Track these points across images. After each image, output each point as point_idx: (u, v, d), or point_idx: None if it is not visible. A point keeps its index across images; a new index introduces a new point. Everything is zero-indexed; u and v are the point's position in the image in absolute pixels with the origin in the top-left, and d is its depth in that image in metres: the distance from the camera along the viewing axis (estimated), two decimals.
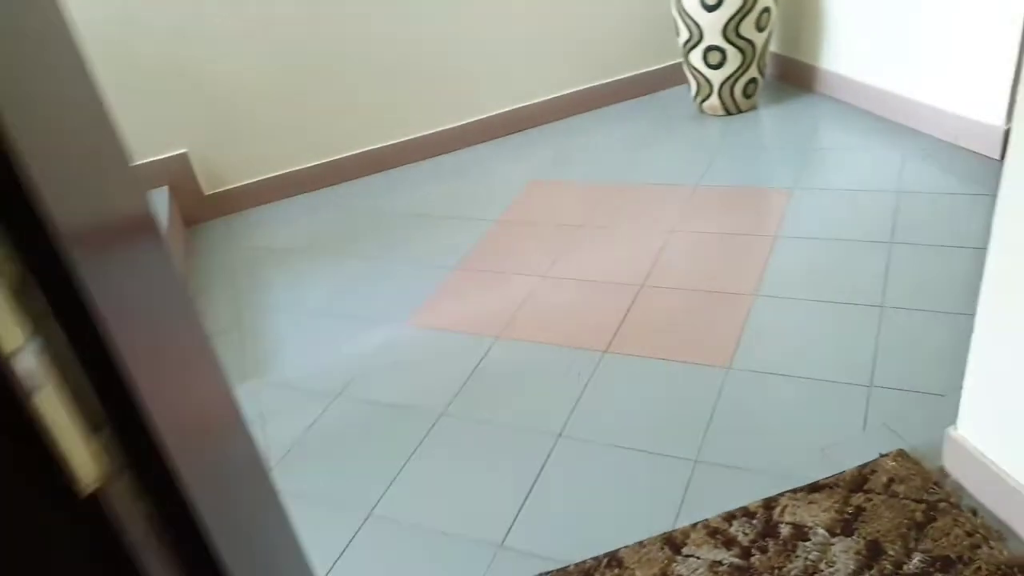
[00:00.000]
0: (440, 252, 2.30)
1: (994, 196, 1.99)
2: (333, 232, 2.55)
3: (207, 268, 2.50)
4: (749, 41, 2.61)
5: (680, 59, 2.91)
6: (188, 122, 2.64)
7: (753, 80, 2.72)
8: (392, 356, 1.90)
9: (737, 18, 2.55)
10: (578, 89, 3.04)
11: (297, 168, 2.83)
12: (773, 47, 3.04)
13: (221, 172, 2.76)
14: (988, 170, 2.12)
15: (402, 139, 2.90)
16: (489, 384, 1.73)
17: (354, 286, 2.22)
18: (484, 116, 2.96)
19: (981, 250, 1.82)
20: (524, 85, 2.97)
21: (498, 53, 2.88)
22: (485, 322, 1.94)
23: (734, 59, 2.64)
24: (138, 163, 2.65)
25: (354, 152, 2.87)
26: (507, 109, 2.98)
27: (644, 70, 3.09)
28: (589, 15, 2.91)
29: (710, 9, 2.56)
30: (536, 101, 3.00)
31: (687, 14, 2.62)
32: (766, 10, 2.57)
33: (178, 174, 2.70)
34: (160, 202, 2.61)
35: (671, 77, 3.11)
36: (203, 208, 2.78)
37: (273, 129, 2.74)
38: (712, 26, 2.58)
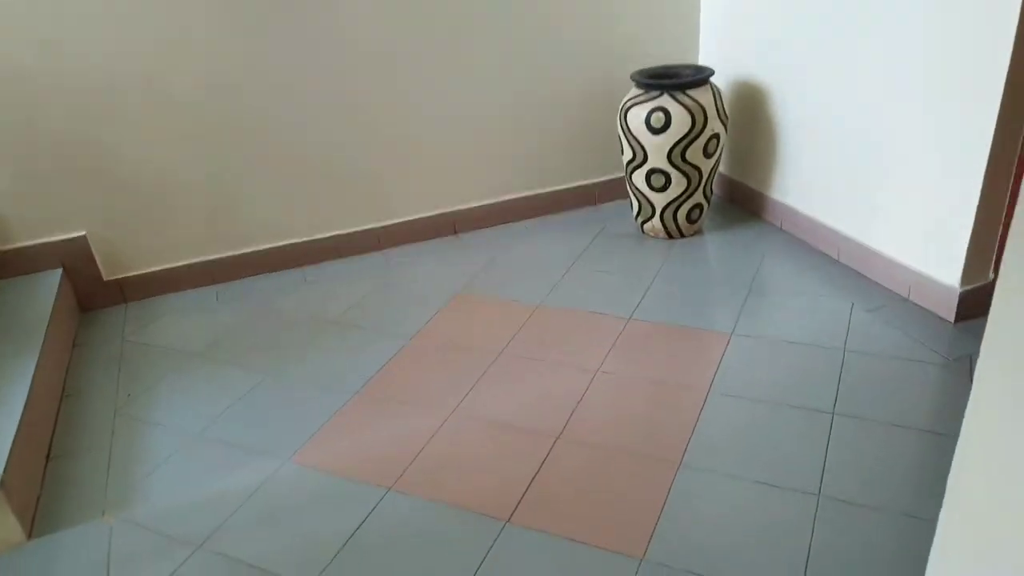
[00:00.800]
0: (344, 372, 2.08)
1: (946, 365, 1.88)
2: (234, 336, 2.32)
3: (92, 362, 2.24)
4: (695, 167, 2.51)
5: (623, 173, 2.81)
6: (90, 202, 2.42)
7: (698, 206, 2.62)
8: (267, 501, 1.65)
9: (684, 143, 2.45)
10: (519, 196, 2.91)
11: (206, 258, 2.62)
12: (723, 168, 2.96)
13: (124, 257, 2.53)
14: (941, 333, 1.99)
15: (324, 234, 2.72)
16: (369, 552, 1.49)
17: (245, 406, 1.99)
18: (418, 216, 2.80)
19: (930, 434, 1.67)
20: (463, 187, 2.82)
21: (437, 153, 2.74)
22: (377, 468, 1.71)
23: (679, 184, 2.54)
24: (30, 244, 2.41)
25: (270, 245, 2.67)
26: (443, 211, 2.83)
27: (588, 181, 2.98)
28: (535, 122, 2.81)
29: (656, 132, 2.46)
30: (474, 205, 2.86)
31: (631, 134, 2.52)
32: (715, 136, 2.48)
33: (75, 256, 2.46)
34: (50, 285, 2.37)
35: (616, 191, 3.01)
36: (102, 293, 2.54)
37: (182, 215, 2.53)
38: (657, 149, 2.48)
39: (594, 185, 2.99)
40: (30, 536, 1.62)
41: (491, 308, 2.35)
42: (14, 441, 1.68)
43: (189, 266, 2.60)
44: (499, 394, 1.93)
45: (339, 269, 2.68)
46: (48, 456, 1.87)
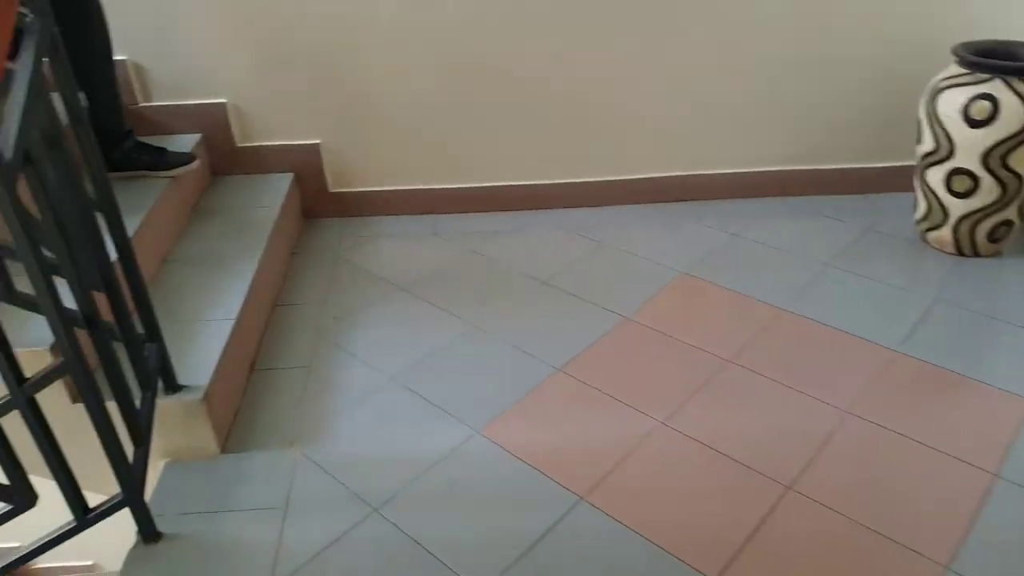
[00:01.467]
0: (549, 341, 1.90)
1: None
2: (443, 276, 2.21)
3: (306, 274, 2.25)
4: (1017, 175, 2.00)
5: (911, 163, 2.32)
6: (328, 113, 2.38)
7: (1006, 223, 2.11)
8: (450, 474, 1.53)
9: (1010, 144, 1.95)
10: (771, 169, 2.52)
11: (429, 187, 2.51)
12: None
13: (350, 171, 2.49)
14: None
15: (545, 180, 2.51)
16: (550, 568, 1.32)
17: (443, 357, 1.87)
18: (647, 176, 2.52)
19: None
20: (705, 150, 2.49)
21: (679, 110, 2.41)
22: (571, 468, 1.52)
23: (989, 192, 2.04)
24: (267, 144, 2.42)
25: (491, 183, 2.51)
26: (677, 173, 2.52)
27: (861, 165, 2.52)
28: (803, 85, 2.38)
29: (975, 125, 1.97)
30: (715, 171, 2.52)
31: (939, 122, 2.04)
32: None
33: (306, 163, 2.46)
34: (281, 188, 2.39)
35: (896, 182, 2.52)
36: (325, 204, 2.53)
37: (413, 139, 2.43)
38: (971, 145, 2.00)
39: (869, 171, 2.52)
40: (222, 450, 1.61)
41: (722, 299, 2.05)
42: (224, 350, 1.67)
43: (411, 191, 2.52)
44: (721, 413, 1.66)
45: (557, 219, 2.48)
46: (252, 367, 1.87)
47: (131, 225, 1.86)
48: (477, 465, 1.55)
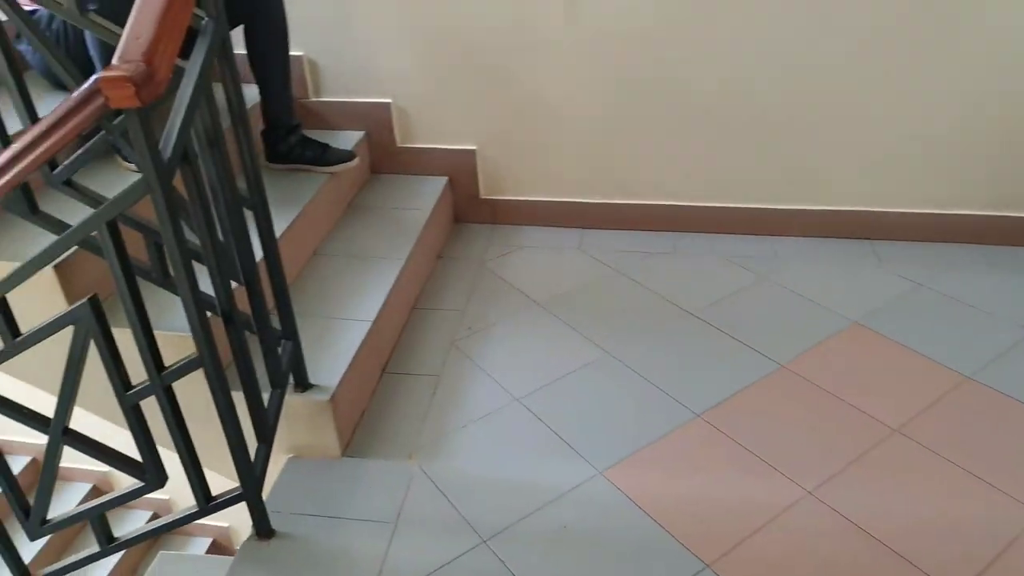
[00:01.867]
0: (692, 381, 1.75)
1: None
2: (584, 295, 2.11)
3: (448, 279, 2.23)
4: None
5: None
6: (486, 120, 2.35)
7: None
8: (562, 516, 1.43)
9: None
10: (970, 213, 2.21)
11: (579, 200, 2.43)
12: None
13: (503, 179, 2.45)
14: None
15: (705, 203, 2.35)
16: None
17: (573, 383, 1.78)
18: (823, 208, 2.28)
19: None
20: (892, 186, 2.22)
21: (872, 140, 2.16)
22: (696, 529, 1.38)
23: None
24: (426, 146, 2.43)
25: (646, 201, 2.38)
26: (858, 209, 2.27)
27: None
28: (1015, 124, 2.06)
29: None
30: (903, 210, 2.24)
31: None
32: None
33: (460, 168, 2.44)
34: (434, 191, 2.39)
35: None
36: (475, 210, 2.51)
37: (568, 151, 2.35)
38: None
39: None
40: (344, 452, 1.61)
41: (897, 358, 1.81)
42: (358, 352, 1.68)
43: (561, 203, 2.44)
44: (880, 490, 1.45)
45: (714, 245, 2.31)
46: (384, 369, 1.87)
47: (286, 218, 1.92)
48: (595, 509, 1.45)
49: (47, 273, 1.45)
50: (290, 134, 2.10)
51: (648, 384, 1.76)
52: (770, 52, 2.09)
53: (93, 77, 0.91)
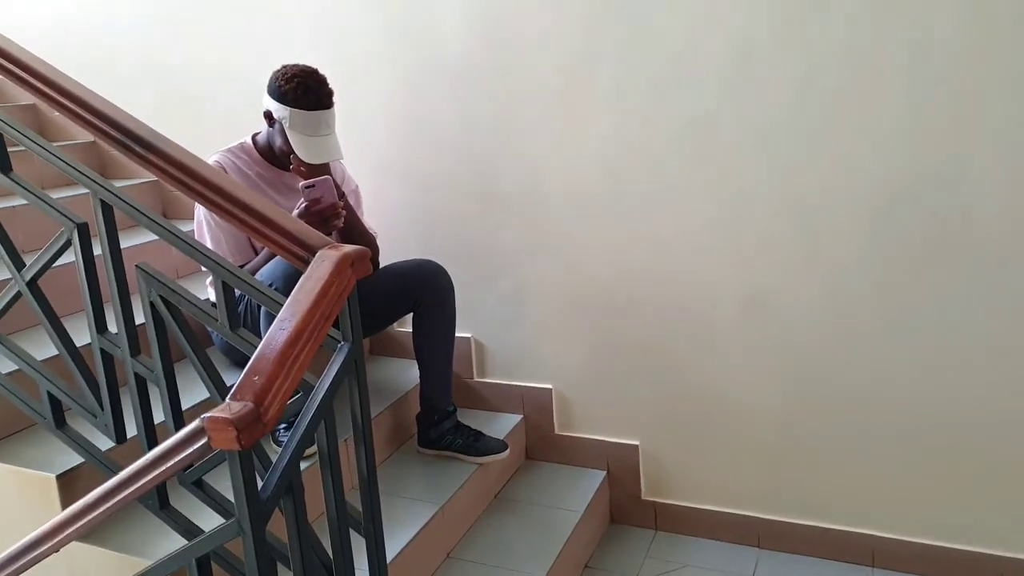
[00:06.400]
0: None
1: None
2: None
3: None
4: None
5: None
6: (650, 413, 2.19)
7: None
8: None
9: None
10: None
11: (754, 514, 2.11)
12: None
13: (668, 480, 2.22)
14: None
15: (919, 539, 1.94)
16: None
17: None
18: None
19: None
20: None
21: None
22: None
23: None
24: (584, 436, 2.29)
25: (833, 526, 2.02)
26: None
27: None
28: None
29: None
30: None
31: None
32: None
33: (621, 464, 2.25)
34: (590, 485, 2.20)
35: None
36: (635, 511, 2.27)
37: (744, 457, 2.10)
38: None
39: None
40: None
41: None
42: None
43: (734, 516, 2.14)
44: None
45: None
46: None
47: (424, 515, 1.81)
48: None
49: None
50: (444, 420, 2.06)
51: None
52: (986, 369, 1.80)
53: (200, 417, 0.88)
